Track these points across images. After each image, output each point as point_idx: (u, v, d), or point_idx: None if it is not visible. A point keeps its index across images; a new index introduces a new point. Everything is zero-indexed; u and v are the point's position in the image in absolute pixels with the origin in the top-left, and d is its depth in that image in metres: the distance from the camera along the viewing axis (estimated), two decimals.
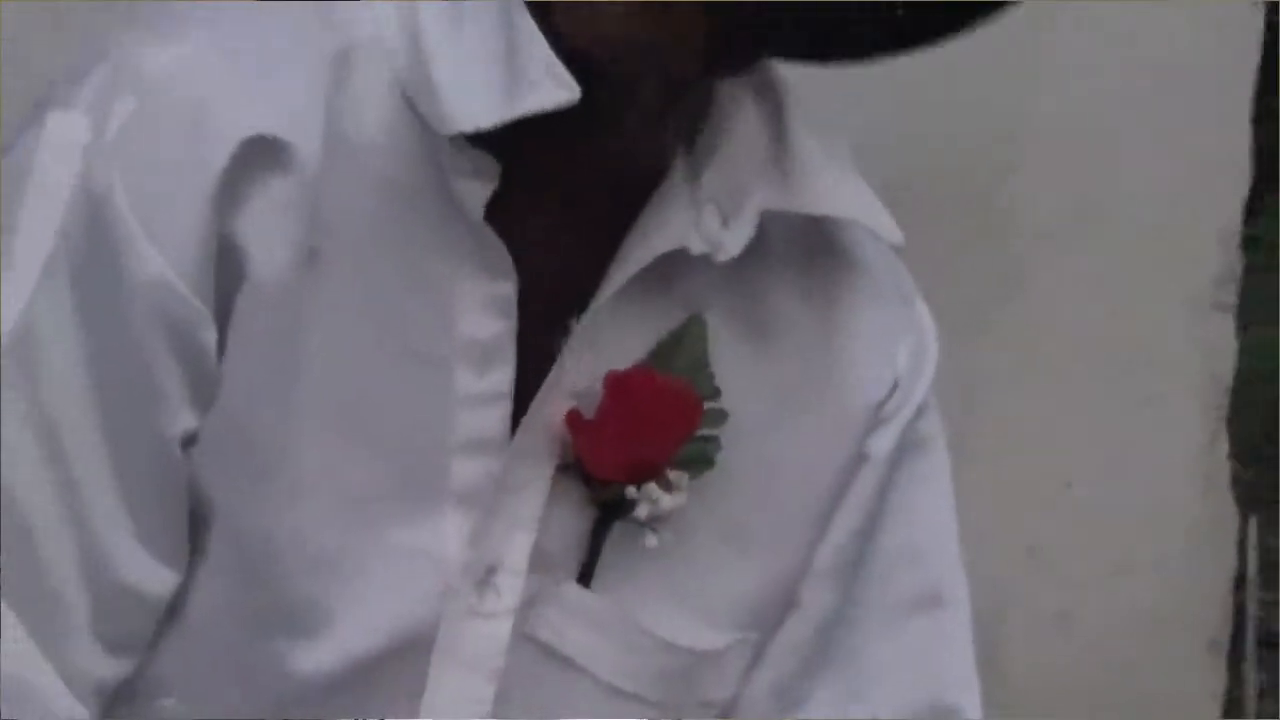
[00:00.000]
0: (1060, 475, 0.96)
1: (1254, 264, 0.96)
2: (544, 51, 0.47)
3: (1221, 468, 1.00)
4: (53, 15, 0.84)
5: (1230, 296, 0.92)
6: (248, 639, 0.53)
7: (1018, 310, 0.94)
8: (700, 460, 0.55)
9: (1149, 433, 0.97)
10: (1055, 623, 0.98)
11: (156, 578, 0.51)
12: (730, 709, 0.60)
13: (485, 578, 0.54)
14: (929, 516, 0.62)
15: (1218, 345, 0.95)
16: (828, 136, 0.56)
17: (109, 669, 0.51)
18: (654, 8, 0.47)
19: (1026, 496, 0.93)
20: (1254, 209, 0.93)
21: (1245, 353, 0.93)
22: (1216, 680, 1.18)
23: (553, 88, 0.47)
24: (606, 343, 0.54)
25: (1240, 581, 1.17)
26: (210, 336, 0.50)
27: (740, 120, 0.56)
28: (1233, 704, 1.22)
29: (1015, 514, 0.87)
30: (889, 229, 0.56)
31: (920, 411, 0.60)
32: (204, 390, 0.50)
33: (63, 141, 0.50)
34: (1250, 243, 0.93)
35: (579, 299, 0.53)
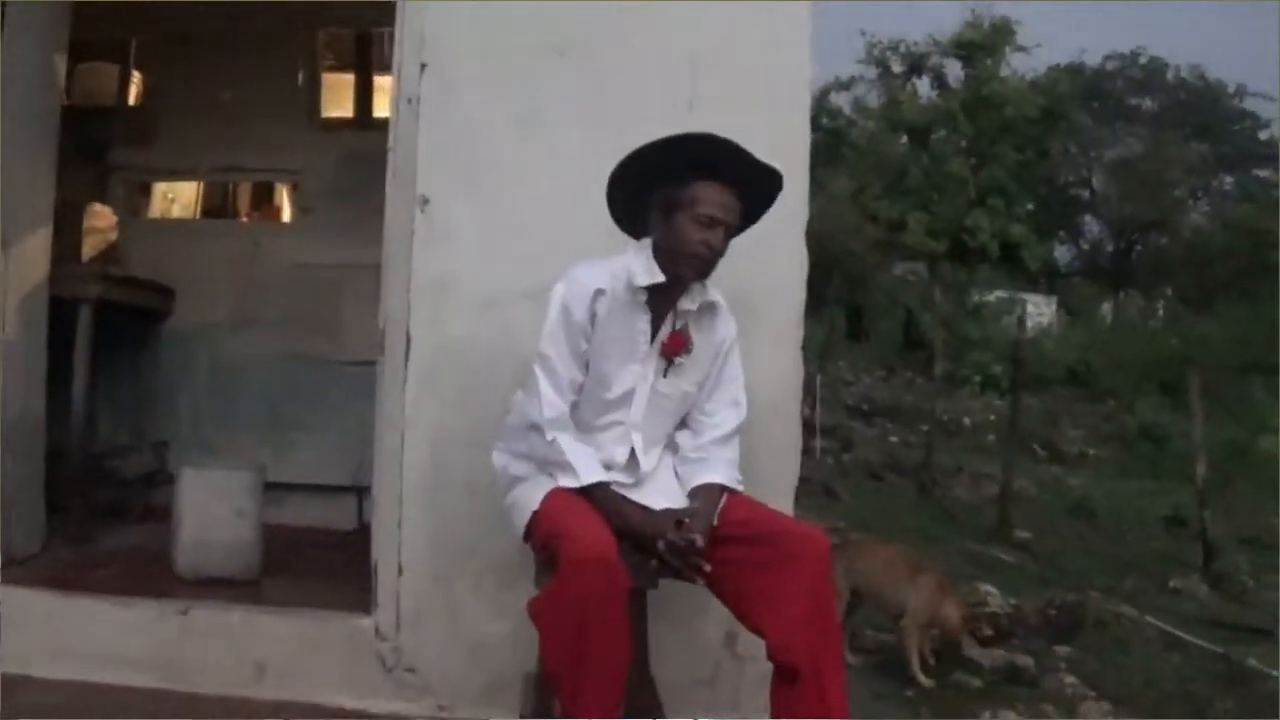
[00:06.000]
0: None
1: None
2: (656, 269, 2.40)
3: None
4: None
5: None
6: (592, 391, 2.44)
7: (751, 323, 2.86)
8: (688, 350, 2.47)
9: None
10: None
11: (580, 377, 2.42)
12: (694, 407, 2.53)
13: (645, 377, 2.46)
14: (736, 369, 2.56)
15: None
16: (712, 283, 2.49)
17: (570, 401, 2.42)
18: (701, 268, 2.39)
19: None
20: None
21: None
22: None
23: (660, 275, 2.40)
24: (674, 327, 2.47)
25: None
26: (589, 329, 2.40)
27: None
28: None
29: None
30: (724, 301, 2.52)
31: (734, 340, 2.55)
32: (589, 338, 2.40)
33: (558, 291, 2.41)
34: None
35: (667, 317, 2.45)
